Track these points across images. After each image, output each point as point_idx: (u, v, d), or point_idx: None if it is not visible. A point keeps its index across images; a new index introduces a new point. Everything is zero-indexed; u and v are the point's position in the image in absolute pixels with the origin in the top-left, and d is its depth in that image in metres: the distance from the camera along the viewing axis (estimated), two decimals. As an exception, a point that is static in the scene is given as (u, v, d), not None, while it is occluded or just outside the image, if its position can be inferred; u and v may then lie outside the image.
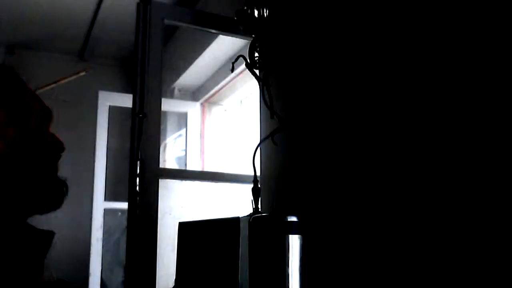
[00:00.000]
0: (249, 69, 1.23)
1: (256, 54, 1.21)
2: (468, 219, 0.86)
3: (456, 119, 0.90)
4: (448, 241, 0.89)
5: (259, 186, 1.17)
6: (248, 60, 1.21)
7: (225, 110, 3.07)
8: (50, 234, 0.88)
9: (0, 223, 0.80)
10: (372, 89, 1.11)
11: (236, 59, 1.22)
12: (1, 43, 3.25)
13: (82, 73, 3.12)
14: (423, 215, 0.95)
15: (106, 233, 3.07)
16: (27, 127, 0.87)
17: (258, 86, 1.36)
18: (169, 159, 3.21)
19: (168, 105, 2.94)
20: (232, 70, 1.24)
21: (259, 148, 1.28)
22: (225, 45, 2.45)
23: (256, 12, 1.16)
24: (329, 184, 1.21)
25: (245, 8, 1.17)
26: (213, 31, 1.92)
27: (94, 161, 3.02)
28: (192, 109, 3.06)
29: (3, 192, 0.82)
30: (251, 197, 1.14)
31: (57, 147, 0.93)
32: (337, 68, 1.23)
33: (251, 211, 1.14)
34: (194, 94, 3.18)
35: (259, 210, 1.14)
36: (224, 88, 2.86)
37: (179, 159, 3.18)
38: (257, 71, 1.25)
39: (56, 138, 0.93)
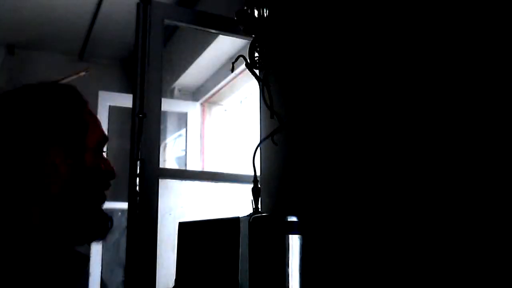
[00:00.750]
0: (249, 69, 1.23)
1: (256, 54, 1.21)
2: (468, 219, 0.86)
3: (456, 119, 0.90)
4: (448, 241, 0.89)
5: (259, 186, 1.17)
6: (248, 60, 1.21)
7: (225, 110, 3.06)
8: (86, 259, 0.88)
9: (47, 252, 0.79)
10: (372, 89, 1.11)
11: (236, 59, 1.22)
12: (1, 43, 3.25)
13: (82, 73, 3.12)
14: (422, 215, 0.95)
15: (106, 233, 3.06)
16: (82, 164, 0.84)
17: (258, 86, 1.36)
18: (169, 159, 3.21)
19: (168, 105, 2.94)
20: (232, 70, 1.24)
21: (259, 148, 1.28)
22: (225, 45, 2.45)
23: (256, 12, 1.16)
24: (329, 184, 1.21)
25: (245, 8, 1.17)
26: (213, 31, 1.92)
27: (94, 161, 3.01)
28: (192, 109, 3.06)
29: (53, 225, 0.81)
30: (251, 197, 1.15)
31: (108, 176, 0.91)
32: (337, 68, 1.23)
33: (251, 211, 1.14)
34: (194, 94, 3.18)
35: (259, 210, 1.14)
36: (224, 88, 2.86)
37: (179, 159, 3.17)
38: (257, 71, 1.25)
39: (108, 165, 0.91)
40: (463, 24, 0.91)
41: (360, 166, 1.12)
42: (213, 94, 2.97)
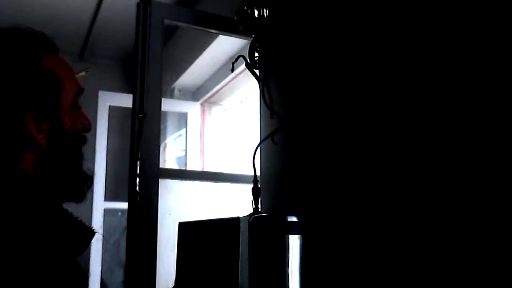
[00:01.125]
0: (249, 69, 1.23)
1: (256, 54, 1.21)
2: (467, 219, 0.86)
3: (456, 120, 0.90)
4: (447, 241, 0.89)
5: (259, 186, 1.17)
6: (248, 60, 1.21)
7: (225, 110, 3.06)
8: (91, 232, 0.84)
9: (36, 209, 0.75)
10: (372, 89, 1.11)
11: (236, 59, 1.22)
12: (1, 43, 3.25)
13: (82, 73, 3.12)
14: (422, 215, 0.95)
15: (106, 233, 3.07)
16: (60, 128, 0.81)
17: (258, 86, 1.36)
18: (169, 159, 3.21)
19: (168, 105, 2.94)
20: (232, 70, 1.24)
21: (259, 148, 1.28)
22: (225, 45, 2.45)
23: (256, 12, 1.16)
24: (329, 184, 1.21)
25: (245, 8, 1.17)
26: (213, 31, 1.92)
27: (94, 161, 3.02)
28: (192, 109, 3.06)
29: (39, 181, 0.78)
30: (251, 197, 1.15)
31: (85, 132, 0.88)
32: (337, 68, 1.23)
33: (251, 211, 1.14)
34: (194, 94, 3.18)
35: (259, 210, 1.15)
36: (224, 88, 2.86)
37: (179, 159, 3.17)
38: (257, 71, 1.25)
39: (85, 120, 0.87)
40: (463, 24, 0.91)
41: (360, 166, 1.12)
42: (213, 94, 2.97)
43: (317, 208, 1.23)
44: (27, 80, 0.76)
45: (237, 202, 2.00)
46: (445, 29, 0.94)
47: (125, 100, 2.49)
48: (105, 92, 3.13)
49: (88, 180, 0.88)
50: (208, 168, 2.98)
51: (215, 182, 2.00)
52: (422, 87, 0.98)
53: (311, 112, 1.31)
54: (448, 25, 0.94)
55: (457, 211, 0.88)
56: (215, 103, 3.10)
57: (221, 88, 2.87)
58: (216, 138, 3.02)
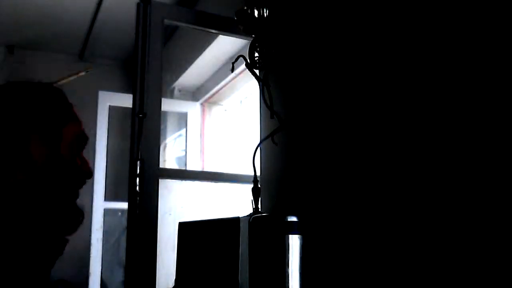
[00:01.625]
0: (249, 69, 1.23)
1: (256, 54, 1.21)
2: (467, 219, 0.86)
3: (455, 119, 0.90)
4: (447, 241, 0.89)
5: (259, 186, 1.17)
6: (248, 60, 1.21)
7: (225, 110, 3.06)
8: (64, 242, 0.89)
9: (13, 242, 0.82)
10: (372, 89, 1.11)
11: (236, 59, 1.22)
12: (1, 43, 3.25)
13: (82, 73, 3.12)
14: (422, 215, 0.95)
15: (106, 233, 3.07)
16: (57, 154, 0.87)
17: (258, 86, 1.36)
18: (169, 159, 3.21)
19: (168, 105, 2.94)
20: (232, 70, 1.24)
21: (259, 148, 1.28)
22: (225, 45, 2.45)
23: (256, 12, 1.15)
24: (329, 184, 1.21)
25: (245, 8, 1.16)
26: (213, 31, 1.92)
27: (94, 161, 3.02)
28: (192, 109, 3.06)
29: (22, 213, 0.83)
30: (251, 197, 1.15)
31: (84, 175, 0.93)
32: (338, 69, 1.23)
33: (251, 211, 1.14)
34: (194, 94, 3.18)
35: (259, 210, 1.15)
36: (224, 88, 2.86)
37: (179, 159, 3.17)
38: (257, 71, 1.25)
39: (86, 165, 0.94)
40: (463, 24, 0.91)
41: (360, 166, 1.12)
42: (213, 94, 2.97)
43: (317, 208, 1.23)
44: (44, 107, 0.89)
45: (237, 202, 2.00)
46: (443, 29, 0.94)
47: (125, 100, 2.49)
48: (105, 92, 3.13)
49: (79, 216, 0.92)
50: (208, 168, 2.98)
51: (215, 182, 2.00)
52: (422, 88, 0.98)
53: (311, 112, 1.31)
54: (447, 23, 0.94)
55: (456, 212, 0.88)
56: (215, 103, 3.10)
57: (221, 88, 2.87)
58: (216, 138, 3.02)
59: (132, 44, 1.71)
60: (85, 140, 0.95)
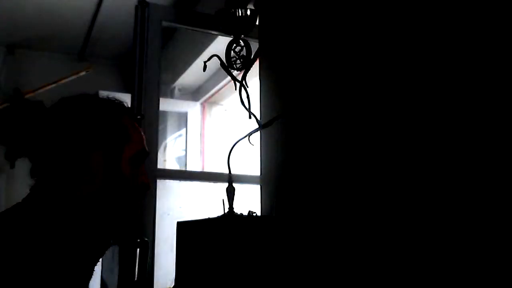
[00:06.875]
0: (224, 69, 1.23)
1: (233, 54, 1.20)
2: (466, 219, 0.86)
3: (455, 119, 0.90)
4: (447, 241, 0.89)
5: (233, 186, 1.18)
6: (224, 60, 1.21)
7: (225, 110, 3.07)
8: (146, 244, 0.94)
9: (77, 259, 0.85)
10: (371, 88, 1.11)
11: (209, 58, 1.22)
12: (1, 43, 3.26)
13: (82, 73, 3.12)
14: (422, 215, 0.95)
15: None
16: (118, 171, 0.89)
17: (257, 86, 1.36)
18: (169, 159, 3.21)
19: (168, 105, 2.95)
20: (204, 70, 1.23)
21: (258, 147, 1.28)
22: (224, 45, 2.44)
23: (237, 12, 1.14)
24: (329, 184, 1.22)
25: (225, 8, 1.15)
26: (212, 32, 1.93)
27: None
28: (192, 109, 3.06)
29: (83, 225, 0.86)
30: (226, 197, 1.16)
31: (143, 188, 0.95)
32: (336, 66, 1.23)
33: (226, 211, 1.15)
34: (194, 94, 3.18)
35: (233, 209, 1.16)
36: (224, 88, 2.86)
37: (179, 159, 3.18)
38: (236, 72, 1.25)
39: (145, 178, 0.95)
40: (463, 23, 0.91)
41: (360, 166, 1.12)
42: (213, 94, 2.98)
43: (317, 208, 1.23)
44: (106, 125, 0.92)
45: (236, 202, 2.00)
46: (442, 26, 0.94)
47: (125, 100, 2.49)
48: (105, 92, 3.13)
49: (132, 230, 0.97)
50: (208, 168, 2.99)
51: (213, 182, 2.01)
52: (421, 84, 0.98)
53: (311, 112, 1.32)
54: (446, 24, 0.94)
55: (456, 212, 0.88)
56: (215, 103, 3.10)
57: (221, 88, 2.87)
58: (216, 138, 3.03)
59: (132, 45, 1.72)
60: (145, 155, 0.97)
